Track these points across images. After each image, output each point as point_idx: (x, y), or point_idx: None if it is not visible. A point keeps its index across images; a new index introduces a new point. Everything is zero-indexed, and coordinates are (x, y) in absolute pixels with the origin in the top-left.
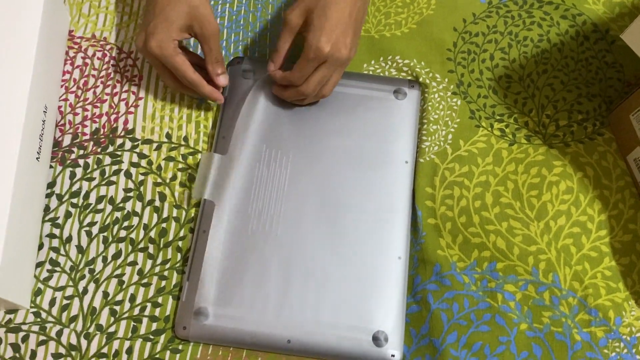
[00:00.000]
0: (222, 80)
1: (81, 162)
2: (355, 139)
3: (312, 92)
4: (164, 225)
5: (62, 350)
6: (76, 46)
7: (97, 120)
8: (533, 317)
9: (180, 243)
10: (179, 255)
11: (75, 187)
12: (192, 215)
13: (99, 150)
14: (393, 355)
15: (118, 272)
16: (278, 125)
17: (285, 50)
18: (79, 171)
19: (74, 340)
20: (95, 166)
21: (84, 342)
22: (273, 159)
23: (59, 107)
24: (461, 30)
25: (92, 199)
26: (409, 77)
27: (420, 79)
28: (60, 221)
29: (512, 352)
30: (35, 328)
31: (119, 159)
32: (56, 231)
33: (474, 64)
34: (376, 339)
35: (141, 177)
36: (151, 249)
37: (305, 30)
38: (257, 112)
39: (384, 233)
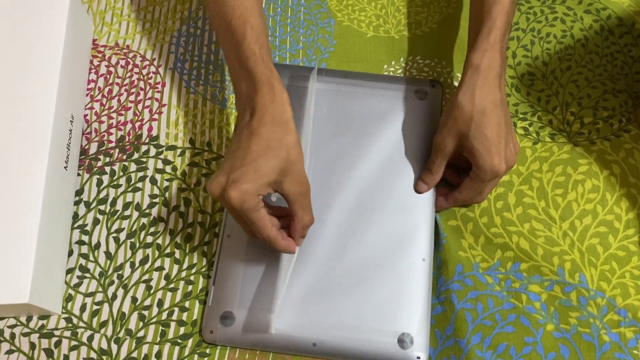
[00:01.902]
0: (301, 242)
1: (107, 169)
2: (376, 140)
3: (486, 196)
4: (189, 230)
5: (93, 355)
6: (100, 55)
7: (122, 127)
8: (560, 318)
9: (205, 248)
10: (204, 260)
11: (102, 194)
12: (217, 220)
13: (124, 157)
14: (419, 357)
15: (146, 277)
16: (299, 128)
17: (440, 174)
18: (105, 178)
19: (104, 345)
20: (121, 173)
21: (114, 347)
22: None
23: (85, 115)
24: None
25: (119, 205)
26: (430, 78)
27: (442, 79)
28: (88, 228)
29: (539, 353)
30: (67, 333)
31: (144, 165)
32: (85, 238)
33: None
34: (401, 342)
35: (166, 183)
36: (177, 254)
37: (463, 152)
38: None
39: (407, 235)
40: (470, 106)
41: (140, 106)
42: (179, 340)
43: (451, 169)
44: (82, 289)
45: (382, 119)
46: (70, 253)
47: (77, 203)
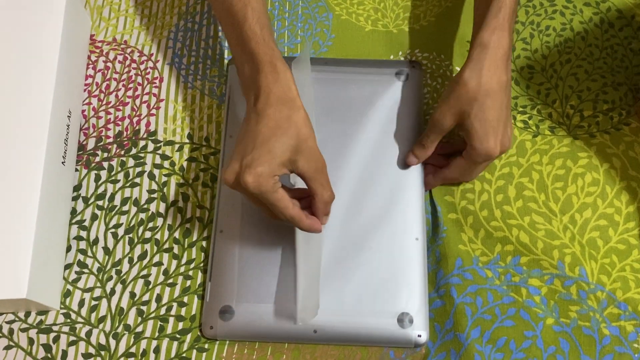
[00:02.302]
0: (326, 220)
1: (105, 164)
2: (361, 124)
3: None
4: (187, 225)
5: (91, 350)
6: (98, 50)
7: (119, 123)
8: (560, 312)
9: (204, 243)
10: (202, 255)
11: (100, 190)
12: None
13: (122, 152)
14: (419, 336)
15: (144, 272)
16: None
17: (432, 150)
18: (103, 174)
19: (103, 341)
20: (119, 168)
21: (112, 342)
22: None
23: (83, 111)
24: None
25: (117, 200)
26: (410, 59)
27: (440, 72)
28: (86, 223)
29: (538, 347)
30: (66, 329)
31: (142, 160)
32: (83, 233)
33: None
34: (401, 321)
35: (164, 179)
36: (176, 249)
37: (460, 131)
38: None
39: (399, 215)
40: (476, 86)
41: (138, 101)
42: (178, 336)
43: (438, 155)
44: (81, 284)
45: (365, 103)
46: (69, 249)
47: (75, 198)
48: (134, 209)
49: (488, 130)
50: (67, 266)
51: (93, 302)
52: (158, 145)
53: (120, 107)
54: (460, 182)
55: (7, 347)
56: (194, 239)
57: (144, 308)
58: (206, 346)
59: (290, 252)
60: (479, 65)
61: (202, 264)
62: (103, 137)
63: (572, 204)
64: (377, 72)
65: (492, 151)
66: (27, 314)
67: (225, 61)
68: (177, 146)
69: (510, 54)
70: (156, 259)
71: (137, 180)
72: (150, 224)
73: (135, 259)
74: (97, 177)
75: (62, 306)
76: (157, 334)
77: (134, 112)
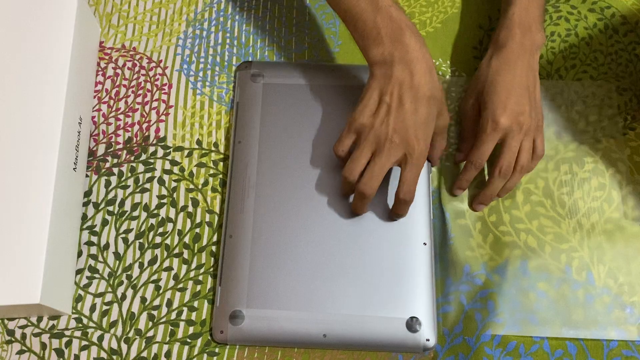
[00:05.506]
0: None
1: (115, 170)
2: None
3: (508, 166)
4: (197, 230)
5: (103, 354)
6: (107, 57)
7: (129, 129)
8: (567, 316)
9: (213, 248)
10: (212, 260)
11: (110, 195)
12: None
13: (132, 158)
14: (428, 340)
15: (154, 277)
16: (295, 125)
17: (470, 140)
18: (113, 179)
19: (114, 345)
20: (129, 174)
21: (124, 347)
22: (293, 158)
23: (93, 117)
24: (487, 28)
25: (127, 206)
26: None
27: (447, 78)
28: (97, 229)
29: (546, 351)
30: (78, 333)
31: (151, 166)
32: (94, 239)
33: None
34: (410, 326)
35: (174, 184)
36: (186, 254)
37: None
38: (271, 114)
39: (407, 220)
40: (487, 68)
41: (147, 108)
42: (188, 340)
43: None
44: (92, 289)
45: None
46: (80, 254)
47: (85, 204)
48: (144, 214)
49: (495, 100)
50: (79, 271)
51: (104, 307)
52: (167, 151)
53: (130, 114)
54: (518, 173)
55: (20, 352)
56: (204, 243)
57: (155, 313)
58: (217, 350)
59: (300, 258)
60: (488, 56)
61: (211, 269)
62: (113, 143)
63: (579, 208)
64: None
65: (498, 118)
66: (40, 319)
67: (234, 67)
68: (186, 152)
69: (525, 47)
70: (166, 263)
71: (147, 185)
72: (160, 229)
73: (146, 264)
74: (107, 183)
75: (73, 311)
76: (168, 338)
77: (144, 119)
